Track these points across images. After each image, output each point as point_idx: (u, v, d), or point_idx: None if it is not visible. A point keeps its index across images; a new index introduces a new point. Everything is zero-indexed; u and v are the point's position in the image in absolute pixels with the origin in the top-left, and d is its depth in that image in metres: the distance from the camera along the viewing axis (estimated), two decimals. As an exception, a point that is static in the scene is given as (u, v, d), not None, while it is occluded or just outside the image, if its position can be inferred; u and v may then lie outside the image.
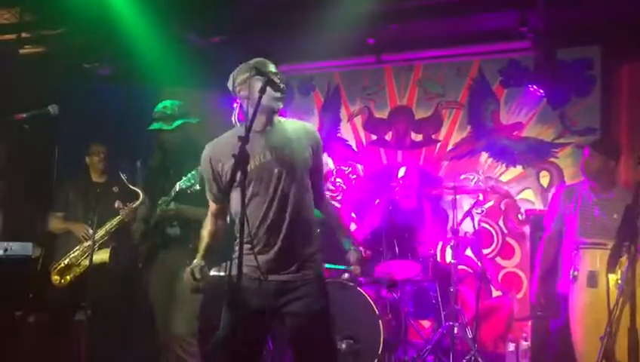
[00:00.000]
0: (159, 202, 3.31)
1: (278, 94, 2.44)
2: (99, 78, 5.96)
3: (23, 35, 5.36)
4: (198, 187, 3.10)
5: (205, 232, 2.56)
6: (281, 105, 2.49)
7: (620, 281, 2.64)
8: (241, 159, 2.14)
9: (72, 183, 4.26)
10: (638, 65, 4.76)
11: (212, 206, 2.57)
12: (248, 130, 2.23)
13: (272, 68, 2.50)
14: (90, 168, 4.25)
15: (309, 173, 2.47)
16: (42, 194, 4.45)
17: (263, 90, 2.32)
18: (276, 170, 2.39)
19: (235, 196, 2.34)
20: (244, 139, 2.17)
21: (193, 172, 3.13)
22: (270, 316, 2.38)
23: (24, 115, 3.00)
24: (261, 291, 2.35)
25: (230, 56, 5.66)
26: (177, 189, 3.19)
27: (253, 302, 2.33)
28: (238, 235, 2.09)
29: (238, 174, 2.12)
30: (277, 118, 2.51)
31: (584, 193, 3.61)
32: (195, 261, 2.41)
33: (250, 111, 2.32)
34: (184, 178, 3.15)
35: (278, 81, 2.44)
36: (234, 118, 2.54)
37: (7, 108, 4.86)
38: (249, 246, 2.35)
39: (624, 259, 2.06)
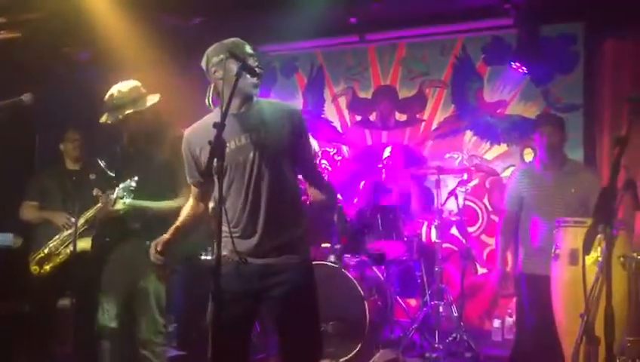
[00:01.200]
0: (102, 200, 3.14)
1: (255, 80, 2.39)
2: (78, 64, 5.86)
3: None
4: (128, 200, 2.99)
5: (182, 212, 2.58)
6: (257, 91, 2.44)
7: (600, 259, 2.66)
8: (217, 147, 2.11)
9: (47, 172, 4.20)
10: (621, 41, 4.74)
11: (193, 189, 2.56)
12: (224, 116, 2.20)
13: (248, 49, 2.45)
14: (65, 155, 4.18)
15: (293, 155, 2.40)
16: (22, 183, 4.39)
17: (239, 75, 2.28)
18: (251, 155, 2.34)
19: (216, 182, 2.29)
20: (220, 126, 2.14)
21: (130, 182, 2.99)
22: (254, 299, 2.36)
23: (-2, 104, 2.93)
24: (243, 275, 2.33)
25: (211, 37, 5.60)
26: (114, 196, 3.03)
27: (236, 285, 2.31)
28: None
29: (214, 161, 2.08)
30: (255, 99, 2.44)
31: (540, 171, 3.65)
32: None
33: (226, 93, 2.26)
34: (122, 185, 3.00)
35: (254, 65, 2.39)
36: (207, 101, 2.46)
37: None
38: (230, 231, 2.32)
39: (602, 238, 2.07)
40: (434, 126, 5.58)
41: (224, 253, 2.30)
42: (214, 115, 2.42)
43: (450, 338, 4.32)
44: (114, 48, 5.17)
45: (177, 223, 2.57)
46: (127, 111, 3.10)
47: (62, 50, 5.77)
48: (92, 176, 3.94)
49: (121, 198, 2.96)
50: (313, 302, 2.39)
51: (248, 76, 2.35)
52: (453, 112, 5.51)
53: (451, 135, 5.49)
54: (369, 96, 5.83)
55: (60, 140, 4.27)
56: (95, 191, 3.77)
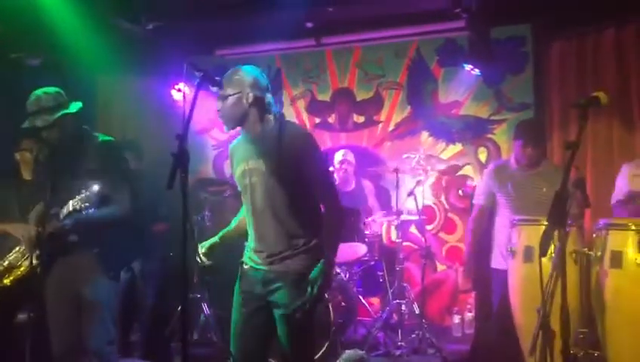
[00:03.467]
0: (51, 212, 2.96)
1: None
2: (28, 69, 5.70)
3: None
4: (92, 210, 2.85)
5: (233, 221, 2.79)
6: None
7: (553, 255, 2.77)
8: (179, 159, 2.13)
9: (2, 183, 4.07)
10: (566, 42, 4.94)
11: None
12: (185, 127, 2.23)
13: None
14: (22, 165, 4.03)
15: (300, 178, 2.49)
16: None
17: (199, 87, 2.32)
18: (248, 182, 2.55)
19: None
20: (182, 138, 2.17)
21: (88, 193, 2.84)
22: (261, 302, 2.53)
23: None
24: (253, 279, 2.56)
25: (166, 42, 5.56)
26: (71, 208, 2.87)
27: (247, 287, 2.58)
28: None
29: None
30: (272, 119, 2.55)
31: (515, 169, 3.73)
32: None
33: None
34: (79, 196, 2.84)
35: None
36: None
37: None
38: (249, 241, 2.63)
39: (556, 236, 2.17)
40: (391, 127, 5.68)
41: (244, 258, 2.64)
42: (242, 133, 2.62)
43: (413, 336, 4.42)
44: (66, 53, 5.06)
45: (227, 229, 2.77)
46: (58, 114, 2.97)
47: (10, 56, 5.61)
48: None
49: (78, 211, 2.83)
50: (304, 313, 2.45)
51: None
52: (409, 113, 5.62)
53: (408, 135, 5.60)
54: (327, 98, 5.89)
55: (13, 149, 4.15)
56: None
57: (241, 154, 2.60)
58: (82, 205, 2.81)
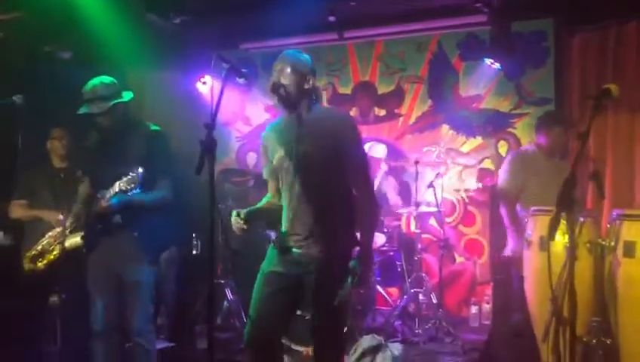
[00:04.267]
0: (98, 195, 3.13)
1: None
2: (60, 62, 5.90)
3: (-22, 19, 5.27)
4: (137, 190, 2.97)
5: (263, 199, 2.82)
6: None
7: (568, 245, 2.83)
8: (207, 146, 2.25)
9: (35, 170, 4.21)
10: (588, 36, 4.94)
11: (269, 183, 2.78)
12: (213, 116, 2.34)
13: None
14: (52, 153, 4.21)
15: (337, 163, 2.53)
16: (5, 182, 4.43)
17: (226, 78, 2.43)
18: (291, 163, 2.57)
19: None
20: (210, 127, 2.29)
21: (134, 174, 2.95)
22: (294, 282, 2.59)
23: (-13, 106, 3.02)
24: (287, 260, 2.60)
25: (192, 36, 5.71)
26: (117, 190, 2.99)
27: (278, 268, 2.62)
28: None
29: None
30: (313, 104, 2.62)
31: (536, 158, 3.77)
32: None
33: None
34: (126, 178, 2.98)
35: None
36: None
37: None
38: (284, 224, 2.65)
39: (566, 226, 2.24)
40: (412, 120, 5.75)
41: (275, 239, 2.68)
42: (284, 116, 2.67)
43: (429, 324, 4.51)
44: (96, 47, 5.23)
45: (263, 203, 2.80)
46: (113, 102, 3.15)
47: (43, 49, 5.81)
48: (79, 173, 4.03)
49: (124, 191, 2.98)
50: (333, 297, 2.49)
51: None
52: (430, 107, 5.69)
53: (429, 129, 5.67)
54: (349, 91, 5.98)
55: (44, 139, 4.33)
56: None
57: (282, 138, 2.64)
58: (128, 186, 2.95)
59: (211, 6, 5.18)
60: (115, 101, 3.17)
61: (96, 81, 3.21)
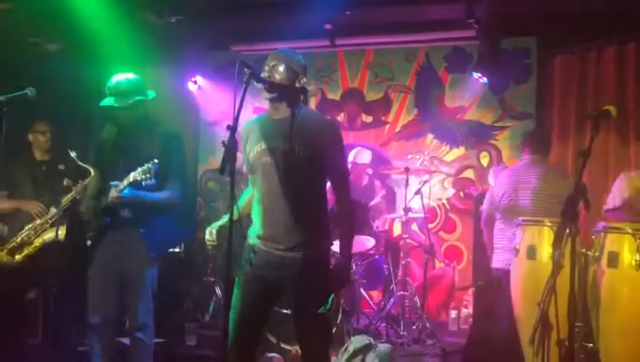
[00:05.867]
0: (111, 184, 3.16)
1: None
2: (47, 55, 5.85)
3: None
4: (152, 181, 3.01)
5: (242, 199, 2.81)
6: (267, 96, 2.63)
7: (556, 254, 3.01)
8: (229, 149, 2.33)
9: (16, 162, 4.15)
10: (569, 56, 5.20)
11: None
12: (235, 120, 2.41)
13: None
14: (34, 146, 4.16)
15: (317, 166, 2.56)
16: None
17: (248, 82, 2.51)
18: (269, 159, 2.57)
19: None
20: (232, 129, 2.36)
21: (149, 165, 2.98)
22: (271, 283, 2.59)
23: (2, 98, 3.01)
24: (262, 263, 2.60)
25: (185, 36, 5.74)
26: (131, 180, 3.02)
27: (258, 268, 2.61)
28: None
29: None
30: (300, 107, 2.62)
31: (525, 171, 3.97)
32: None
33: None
34: (140, 169, 2.99)
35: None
36: None
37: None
38: (256, 225, 2.64)
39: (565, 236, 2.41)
40: (398, 128, 5.92)
41: (250, 241, 2.65)
42: (269, 111, 2.67)
43: (413, 327, 4.66)
44: (85, 41, 5.21)
45: (243, 201, 2.78)
46: (137, 98, 3.20)
47: (30, 41, 5.75)
48: (61, 167, 4.00)
49: (138, 181, 3.00)
50: (318, 293, 2.54)
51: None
52: (416, 116, 5.87)
53: (414, 137, 5.85)
54: (337, 97, 6.11)
55: (25, 130, 4.25)
56: (65, 182, 3.83)
57: (261, 133, 2.62)
58: (143, 176, 2.97)
59: (206, 7, 5.24)
60: (139, 98, 3.21)
61: (121, 76, 3.25)
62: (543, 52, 5.39)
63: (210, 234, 2.69)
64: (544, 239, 3.33)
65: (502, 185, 3.99)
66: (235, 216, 2.59)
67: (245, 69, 2.53)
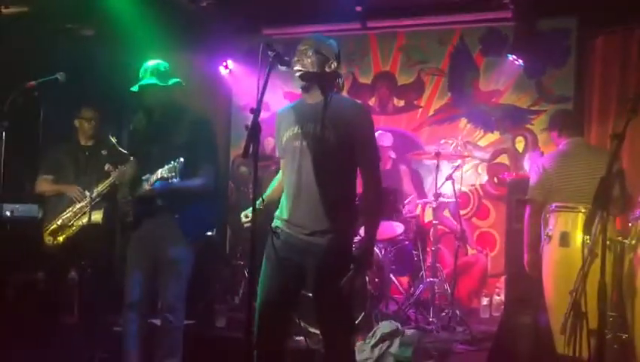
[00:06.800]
0: (143, 178, 3.23)
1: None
2: (82, 39, 5.94)
3: (5, -5, 5.33)
4: (177, 180, 3.05)
5: (272, 183, 2.86)
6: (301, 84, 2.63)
7: (589, 242, 2.92)
8: (252, 132, 2.32)
9: (62, 146, 4.29)
10: (611, 37, 5.00)
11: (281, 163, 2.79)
12: (259, 102, 2.41)
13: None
14: (79, 131, 4.28)
15: (347, 150, 2.54)
16: (30, 156, 4.51)
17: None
18: (301, 143, 2.58)
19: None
20: (256, 112, 2.36)
21: (175, 163, 3.03)
22: (297, 267, 2.59)
23: (34, 83, 3.08)
24: (289, 246, 2.61)
25: (216, 20, 5.75)
26: (159, 176, 3.09)
27: (283, 251, 2.61)
28: None
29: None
30: (331, 92, 2.62)
31: (555, 158, 3.82)
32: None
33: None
34: (167, 166, 3.05)
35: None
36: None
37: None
38: (283, 207, 2.65)
39: (596, 223, 2.32)
40: (430, 112, 5.82)
41: (275, 224, 2.66)
42: (300, 99, 2.70)
43: (443, 314, 4.61)
44: (118, 27, 5.27)
45: (267, 193, 2.84)
46: (167, 83, 3.24)
47: (65, 26, 5.85)
48: (104, 152, 4.11)
49: (165, 178, 3.06)
50: (339, 279, 2.52)
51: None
52: (449, 100, 5.75)
53: (447, 121, 5.74)
54: (369, 81, 6.03)
55: (68, 116, 4.37)
56: (107, 167, 3.93)
57: (294, 118, 2.64)
58: (168, 174, 3.04)
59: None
60: (169, 83, 3.25)
61: (153, 62, 3.29)
62: (583, 33, 5.20)
63: (245, 216, 2.74)
64: (578, 226, 3.24)
65: (554, 169, 3.79)
66: (260, 202, 2.67)
67: (270, 52, 2.52)
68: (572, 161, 3.71)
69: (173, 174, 3.03)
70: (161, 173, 3.07)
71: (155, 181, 3.12)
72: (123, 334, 3.35)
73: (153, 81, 3.22)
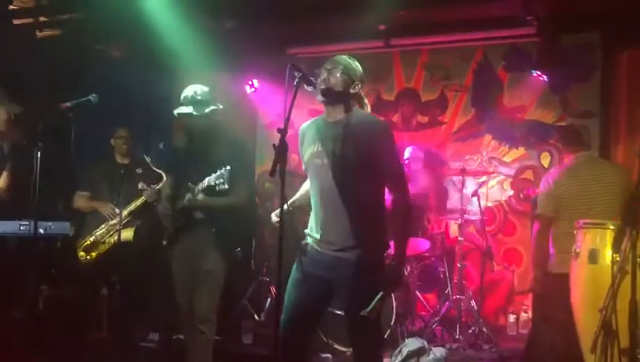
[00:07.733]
0: (188, 191, 3.35)
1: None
2: (111, 60, 6.10)
3: (41, 18, 5.52)
4: (226, 186, 3.16)
5: (301, 190, 2.94)
6: (321, 99, 2.69)
7: (618, 258, 2.88)
8: (280, 150, 2.38)
9: (98, 164, 4.44)
10: (637, 52, 4.96)
11: None
12: (286, 121, 2.47)
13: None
14: (115, 150, 4.41)
15: (371, 166, 2.56)
16: (62, 174, 4.63)
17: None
18: (324, 161, 2.62)
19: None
20: (283, 131, 2.42)
21: (223, 171, 3.15)
22: (325, 284, 2.62)
23: (69, 104, 3.18)
24: (318, 261, 2.64)
25: (241, 40, 5.86)
26: (206, 184, 3.21)
27: (309, 269, 2.65)
28: None
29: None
30: (352, 110, 2.67)
31: (567, 174, 3.80)
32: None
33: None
34: (215, 174, 3.17)
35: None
36: None
37: (33, 91, 5.03)
38: (313, 225, 2.70)
39: (625, 240, 2.30)
40: (454, 129, 5.82)
41: (304, 241, 2.71)
42: (322, 116, 2.76)
43: (469, 331, 4.57)
44: (147, 48, 5.41)
45: (294, 198, 2.94)
46: (210, 108, 3.38)
47: (95, 47, 6.02)
48: (139, 171, 4.24)
49: (213, 186, 3.18)
50: (369, 296, 2.51)
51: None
52: (473, 116, 5.75)
53: (471, 138, 5.73)
54: (392, 98, 6.07)
55: (103, 135, 4.52)
56: (140, 185, 4.06)
57: (316, 136, 2.69)
58: (217, 181, 3.16)
59: (261, 12, 5.32)
60: (213, 107, 3.40)
61: (196, 86, 3.44)
62: (607, 48, 5.17)
63: (275, 215, 2.84)
64: (607, 242, 3.20)
65: (563, 185, 3.81)
66: (286, 212, 2.66)
67: (296, 73, 2.58)
68: (578, 175, 3.74)
69: (222, 181, 3.15)
70: (208, 181, 3.20)
71: (201, 190, 3.25)
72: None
73: (189, 110, 3.36)
